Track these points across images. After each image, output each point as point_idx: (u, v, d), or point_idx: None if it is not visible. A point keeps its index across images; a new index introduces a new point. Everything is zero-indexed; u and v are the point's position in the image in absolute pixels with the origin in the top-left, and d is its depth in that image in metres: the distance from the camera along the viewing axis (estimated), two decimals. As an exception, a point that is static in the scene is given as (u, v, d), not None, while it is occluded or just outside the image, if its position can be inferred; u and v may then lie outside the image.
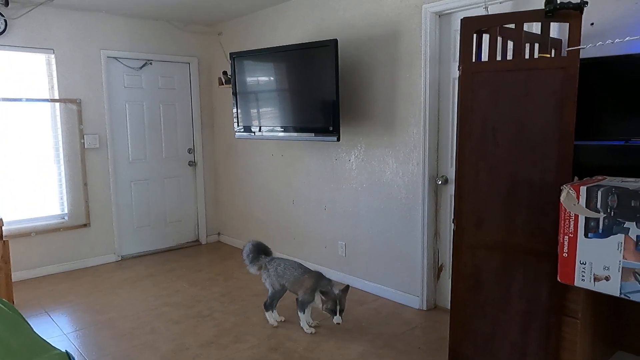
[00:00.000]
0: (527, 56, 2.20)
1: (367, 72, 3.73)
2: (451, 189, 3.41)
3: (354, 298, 3.78)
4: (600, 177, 1.99)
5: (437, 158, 3.47)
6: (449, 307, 3.49)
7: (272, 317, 3.33)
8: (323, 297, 2.97)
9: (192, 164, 5.45)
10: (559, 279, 1.89)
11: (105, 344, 3.08)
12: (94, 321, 3.44)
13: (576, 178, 2.00)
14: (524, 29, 2.06)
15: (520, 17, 1.97)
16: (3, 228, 3.47)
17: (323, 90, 3.69)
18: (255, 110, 4.30)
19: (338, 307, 2.93)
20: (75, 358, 1.50)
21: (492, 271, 2.13)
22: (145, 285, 4.17)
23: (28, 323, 1.54)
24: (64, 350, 1.49)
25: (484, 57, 2.28)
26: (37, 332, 1.52)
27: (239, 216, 5.34)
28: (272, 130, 4.16)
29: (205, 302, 3.77)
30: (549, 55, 2.02)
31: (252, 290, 4.01)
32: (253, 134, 4.35)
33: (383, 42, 3.59)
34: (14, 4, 4.11)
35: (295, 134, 3.97)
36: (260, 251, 3.47)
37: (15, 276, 4.30)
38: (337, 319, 2.93)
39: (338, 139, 3.65)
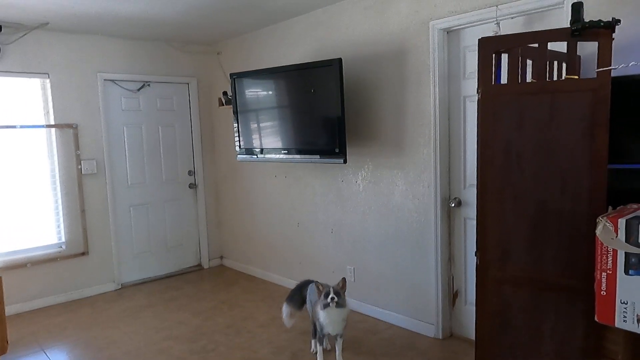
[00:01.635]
0: (550, 76, 2.07)
1: (374, 90, 3.60)
2: (465, 211, 3.26)
3: (365, 327, 3.61)
4: (635, 206, 1.84)
5: (449, 179, 3.32)
6: (465, 336, 3.35)
7: (313, 343, 3.22)
8: (319, 288, 2.88)
9: (193, 186, 5.30)
10: (596, 320, 1.73)
11: (104, 386, 2.91)
12: (94, 359, 3.26)
13: (610, 208, 1.86)
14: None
15: (544, 36, 1.84)
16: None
17: (328, 110, 3.55)
18: (257, 132, 4.16)
19: (332, 290, 2.80)
20: None
21: (521, 309, 1.97)
22: (146, 317, 3.99)
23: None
24: None
25: (503, 76, 2.15)
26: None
27: (242, 239, 5.18)
28: (275, 152, 4.02)
29: (210, 334, 3.59)
30: (577, 77, 1.88)
31: (257, 320, 3.83)
32: (255, 156, 4.21)
33: (389, 59, 3.47)
34: (7, 29, 3.99)
35: (299, 156, 3.82)
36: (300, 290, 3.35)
37: (10, 310, 4.13)
38: (332, 300, 2.78)
39: (345, 161, 3.51)
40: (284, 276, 4.65)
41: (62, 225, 4.44)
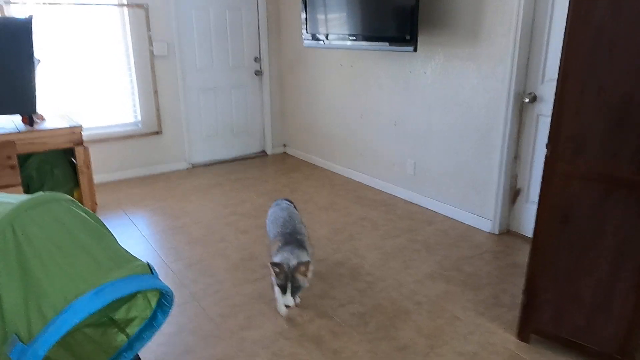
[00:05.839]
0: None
1: (453, -28, 3.31)
2: (539, 108, 3.11)
3: (422, 218, 3.70)
4: None
5: (526, 73, 3.12)
6: (522, 233, 3.37)
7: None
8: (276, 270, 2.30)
9: (259, 73, 5.33)
10: (668, 218, 1.68)
11: (180, 248, 3.25)
12: (169, 226, 3.61)
13: None
14: None
15: None
16: (83, 134, 3.60)
17: (401, -6, 3.34)
18: (325, 17, 4.02)
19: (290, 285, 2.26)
20: (154, 268, 1.54)
21: (587, 205, 1.93)
22: (215, 194, 4.29)
23: (111, 233, 1.57)
24: (145, 262, 1.52)
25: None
26: (119, 243, 1.54)
27: (305, 128, 5.27)
28: (342, 39, 3.91)
29: (273, 213, 3.83)
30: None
31: (317, 204, 4.02)
32: (322, 42, 4.11)
33: None
34: None
35: (367, 43, 3.70)
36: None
37: (96, 178, 4.57)
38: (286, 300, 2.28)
39: (415, 49, 3.36)
40: (344, 166, 4.76)
41: (137, 105, 4.69)
